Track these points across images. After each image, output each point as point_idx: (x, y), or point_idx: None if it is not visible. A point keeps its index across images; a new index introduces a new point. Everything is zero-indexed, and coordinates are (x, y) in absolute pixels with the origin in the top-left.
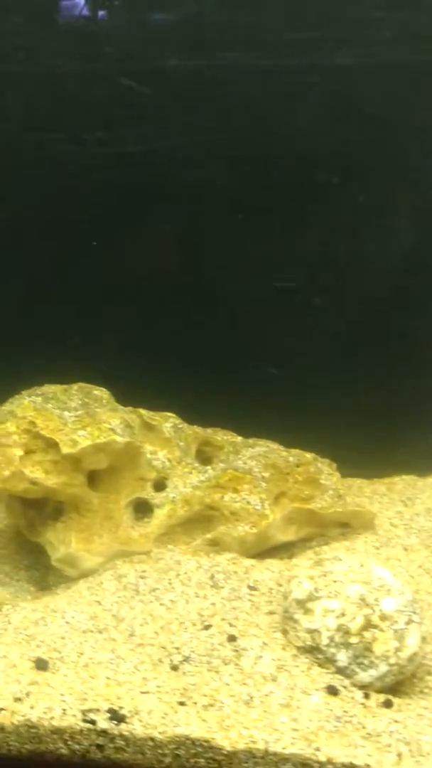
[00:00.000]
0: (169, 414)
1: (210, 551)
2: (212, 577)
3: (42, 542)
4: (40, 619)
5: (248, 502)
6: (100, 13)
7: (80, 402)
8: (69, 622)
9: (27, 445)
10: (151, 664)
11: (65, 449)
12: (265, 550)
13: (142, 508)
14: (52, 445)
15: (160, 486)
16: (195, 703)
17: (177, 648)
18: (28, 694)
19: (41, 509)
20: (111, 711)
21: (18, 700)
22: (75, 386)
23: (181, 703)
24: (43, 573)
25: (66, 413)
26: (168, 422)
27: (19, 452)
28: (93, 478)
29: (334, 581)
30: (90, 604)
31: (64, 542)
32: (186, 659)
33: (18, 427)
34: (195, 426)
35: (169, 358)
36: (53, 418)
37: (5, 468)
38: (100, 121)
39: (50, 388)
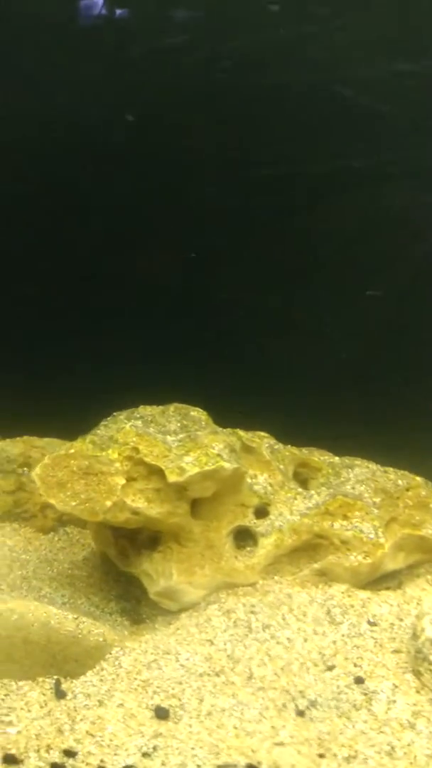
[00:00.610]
0: (263, 433)
1: (318, 582)
2: (328, 611)
3: (136, 573)
4: (152, 661)
5: (361, 531)
6: None
7: (179, 424)
8: (184, 665)
9: (129, 473)
10: (276, 709)
11: (172, 477)
12: (374, 579)
13: (242, 536)
14: (155, 472)
15: (261, 513)
16: (335, 755)
17: (301, 692)
18: (155, 748)
19: (134, 538)
20: (250, 767)
21: (146, 755)
22: (171, 407)
23: (321, 756)
24: (134, 604)
25: (168, 438)
26: (264, 442)
27: (121, 481)
28: (193, 506)
29: None
30: (202, 644)
31: (163, 574)
32: (312, 704)
33: (120, 454)
34: (289, 446)
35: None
36: (157, 444)
37: (107, 498)
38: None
39: (147, 410)
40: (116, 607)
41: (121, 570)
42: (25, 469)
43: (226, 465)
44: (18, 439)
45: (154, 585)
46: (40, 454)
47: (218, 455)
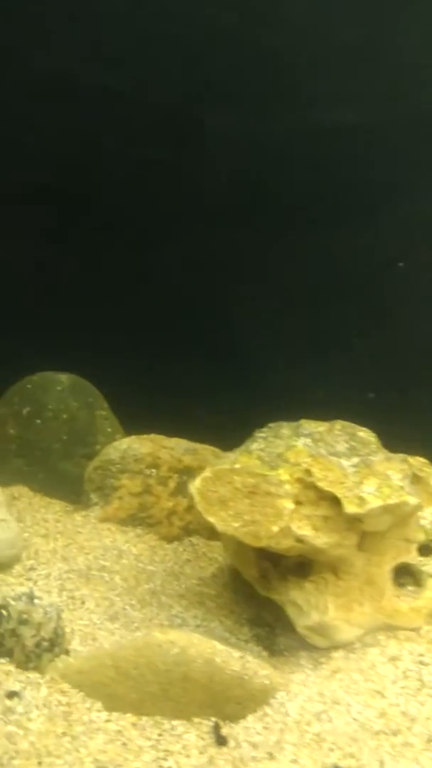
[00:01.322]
0: (424, 459)
1: None
2: None
3: (279, 600)
4: (321, 712)
5: None
6: None
7: (347, 446)
8: (356, 719)
9: (296, 496)
10: None
11: (351, 508)
12: None
13: (400, 573)
14: (325, 498)
15: (427, 550)
16: None
17: None
18: None
19: (278, 561)
20: None
21: None
22: (338, 425)
23: None
24: (268, 632)
25: (343, 461)
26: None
27: (290, 505)
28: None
29: None
30: (372, 695)
31: (317, 607)
32: None
33: (291, 475)
34: None
35: None
36: (332, 468)
37: (273, 523)
38: None
39: (312, 426)
40: (250, 634)
41: (254, 592)
42: (153, 470)
43: (411, 500)
44: (145, 437)
45: (305, 618)
46: (168, 455)
47: (401, 487)
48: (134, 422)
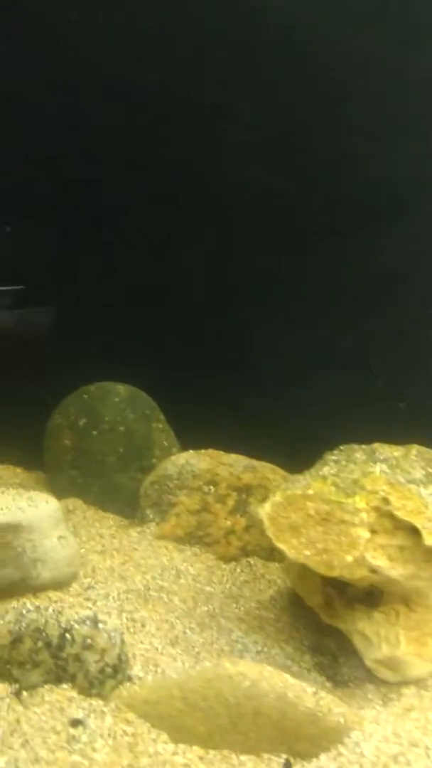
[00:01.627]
0: None
1: None
2: None
3: (345, 630)
4: (398, 754)
5: None
6: None
7: (423, 472)
8: None
9: (372, 525)
10: None
11: (431, 540)
12: None
13: None
14: (401, 527)
15: None
16: None
17: None
18: None
19: (343, 588)
20: None
21: None
22: (413, 450)
23: None
24: (330, 660)
25: (422, 490)
26: None
27: (365, 534)
28: None
29: None
30: None
31: (387, 640)
32: None
33: (368, 503)
34: None
35: None
36: (412, 497)
37: (348, 552)
38: None
39: (387, 451)
40: (312, 662)
41: (314, 618)
42: (211, 487)
43: None
44: (203, 452)
45: (374, 650)
46: (227, 472)
47: None
48: (189, 435)
